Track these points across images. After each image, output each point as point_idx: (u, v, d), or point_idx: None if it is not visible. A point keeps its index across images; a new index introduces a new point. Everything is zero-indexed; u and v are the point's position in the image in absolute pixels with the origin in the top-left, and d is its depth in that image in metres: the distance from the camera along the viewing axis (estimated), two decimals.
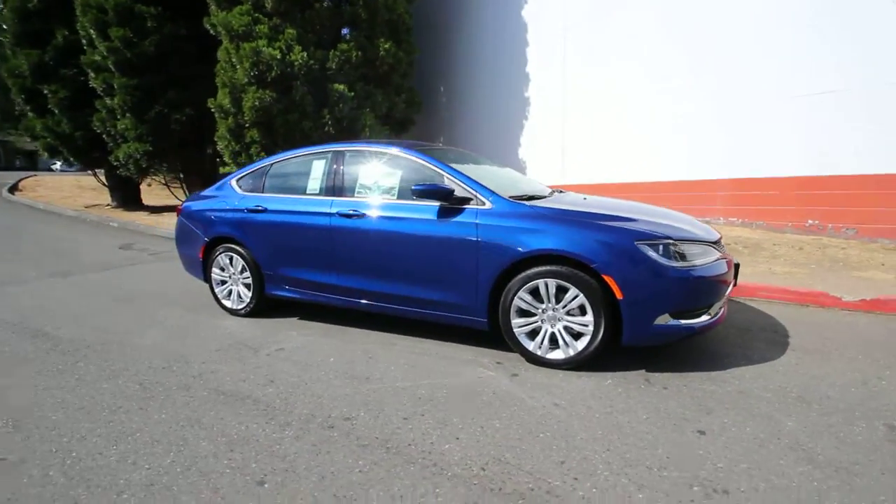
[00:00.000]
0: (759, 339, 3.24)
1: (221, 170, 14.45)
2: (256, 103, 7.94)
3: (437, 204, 3.05)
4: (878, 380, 2.62)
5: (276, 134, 8.47)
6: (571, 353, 2.76)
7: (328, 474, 1.86)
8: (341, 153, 3.53)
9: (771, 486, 1.76)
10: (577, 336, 2.76)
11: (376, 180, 3.33)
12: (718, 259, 2.77)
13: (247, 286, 3.89)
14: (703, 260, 2.70)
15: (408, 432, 2.17)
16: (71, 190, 16.27)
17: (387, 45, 8.66)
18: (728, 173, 6.83)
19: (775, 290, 4.16)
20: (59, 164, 31.18)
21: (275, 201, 3.67)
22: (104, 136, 10.63)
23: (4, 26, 11.69)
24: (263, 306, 3.92)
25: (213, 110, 8.87)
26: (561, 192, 3.69)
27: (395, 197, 3.24)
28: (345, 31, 8.92)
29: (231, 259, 3.92)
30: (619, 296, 2.58)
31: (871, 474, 1.82)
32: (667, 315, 2.61)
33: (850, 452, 1.97)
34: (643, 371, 2.76)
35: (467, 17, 10.70)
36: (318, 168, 3.59)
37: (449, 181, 3.05)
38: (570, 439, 2.09)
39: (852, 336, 3.32)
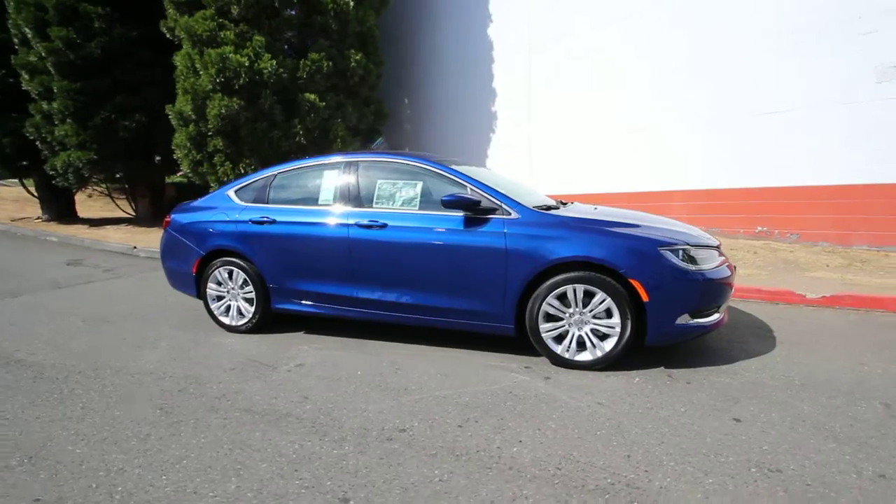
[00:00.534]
0: (749, 335, 3.56)
1: (168, 179, 13.62)
2: (222, 111, 7.61)
3: (461, 214, 3.10)
4: (861, 365, 2.97)
5: (243, 143, 8.16)
6: (599, 354, 2.90)
7: (409, 486, 1.84)
8: (354, 163, 3.49)
9: (814, 463, 1.96)
10: (602, 338, 2.91)
11: (396, 191, 3.33)
12: (722, 263, 3.04)
13: (249, 301, 3.71)
14: (711, 264, 2.95)
15: (468, 439, 2.18)
16: None
17: (357, 57, 8.63)
18: (685, 185, 7.42)
19: (748, 290, 4.58)
20: None
21: (283, 212, 3.56)
22: (38, 143, 9.68)
23: None
24: (265, 322, 3.75)
25: (170, 117, 8.38)
26: (564, 203, 3.86)
27: (416, 207, 3.25)
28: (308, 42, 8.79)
29: (231, 273, 3.73)
30: (645, 298, 2.76)
31: (888, 446, 2.08)
32: (686, 315, 2.82)
33: (864, 429, 2.23)
34: (663, 368, 2.95)
35: (431, 31, 10.90)
36: (330, 178, 3.52)
37: (472, 192, 3.12)
38: (624, 435, 2.20)
39: (823, 328, 3.74)
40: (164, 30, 8.43)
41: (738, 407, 2.45)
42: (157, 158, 11.16)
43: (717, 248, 3.13)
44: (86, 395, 2.69)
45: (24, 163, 10.58)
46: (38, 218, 11.60)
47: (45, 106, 9.25)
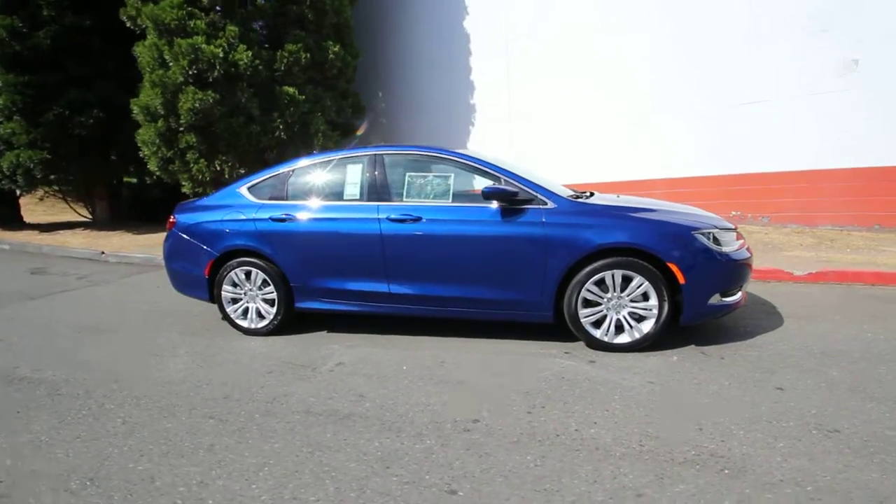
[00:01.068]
0: (758, 311, 3.81)
1: (126, 178, 12.77)
2: (196, 105, 7.21)
3: (496, 206, 3.12)
4: (864, 332, 3.26)
5: (218, 139, 7.77)
6: (637, 336, 3.01)
7: (509, 473, 1.86)
8: (379, 157, 3.43)
9: (862, 422, 2.15)
10: (639, 320, 3.03)
11: (427, 184, 3.30)
12: (742, 245, 3.24)
13: (269, 302, 3.57)
14: (734, 246, 3.14)
15: (543, 424, 2.23)
16: None
17: (336, 48, 8.41)
18: (664, 174, 7.77)
19: None
20: None
21: (307, 209, 3.44)
22: None
23: None
24: (286, 323, 3.63)
25: (134, 112, 7.84)
26: (587, 192, 3.93)
27: (449, 200, 3.24)
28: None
29: (249, 274, 3.57)
30: (681, 281, 2.90)
31: None
32: (717, 295, 2.99)
33: (892, 388, 2.46)
34: (694, 346, 3.11)
35: (406, 22, 10.76)
36: (354, 173, 3.44)
37: (507, 183, 3.15)
38: (686, 410, 2.32)
39: (818, 302, 4.05)
40: (123, 18, 7.85)
41: (775, 377, 2.63)
42: (113, 158, 10.44)
43: (735, 230, 3.33)
44: (121, 410, 2.52)
45: None
46: None
47: None
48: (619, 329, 3.05)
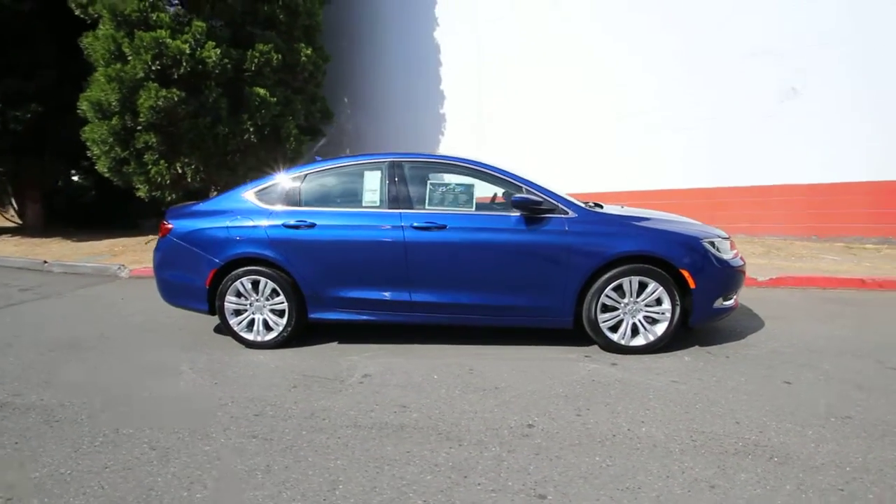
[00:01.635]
0: (739, 314, 4.15)
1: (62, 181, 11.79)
2: (159, 103, 6.75)
3: (518, 214, 3.21)
4: (834, 330, 3.67)
5: (181, 139, 7.30)
6: (651, 338, 3.20)
7: (587, 475, 1.92)
8: (399, 164, 3.40)
9: (865, 409, 2.42)
10: (652, 323, 3.22)
11: (448, 192, 3.32)
12: (737, 254, 3.54)
13: (278, 313, 3.41)
14: (731, 254, 3.43)
15: (596, 426, 2.31)
16: None
17: (308, 51, 8.22)
18: (627, 187, 8.27)
19: None
20: None
21: (325, 215, 3.33)
22: None
23: None
24: (296, 335, 3.47)
25: (83, 108, 7.19)
26: (596, 203, 4.07)
27: (472, 208, 3.28)
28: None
29: (256, 284, 3.39)
30: (692, 286, 3.12)
31: None
32: (720, 298, 3.25)
33: (877, 379, 2.79)
34: (698, 347, 3.35)
35: (374, 28, 10.71)
36: (373, 179, 3.39)
37: (529, 192, 3.24)
38: (716, 406, 2.50)
39: (786, 304, 4.50)
40: (72, 6, 7.18)
41: (778, 372, 2.91)
42: (46, 157, 9.44)
43: (730, 239, 3.64)
44: (142, 434, 2.30)
45: None
46: None
47: None
48: (634, 332, 3.23)
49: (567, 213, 3.21)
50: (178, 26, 6.96)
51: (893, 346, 3.32)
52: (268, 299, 3.42)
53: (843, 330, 3.69)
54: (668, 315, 3.16)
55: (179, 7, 7.16)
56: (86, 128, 7.46)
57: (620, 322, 3.22)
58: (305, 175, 3.50)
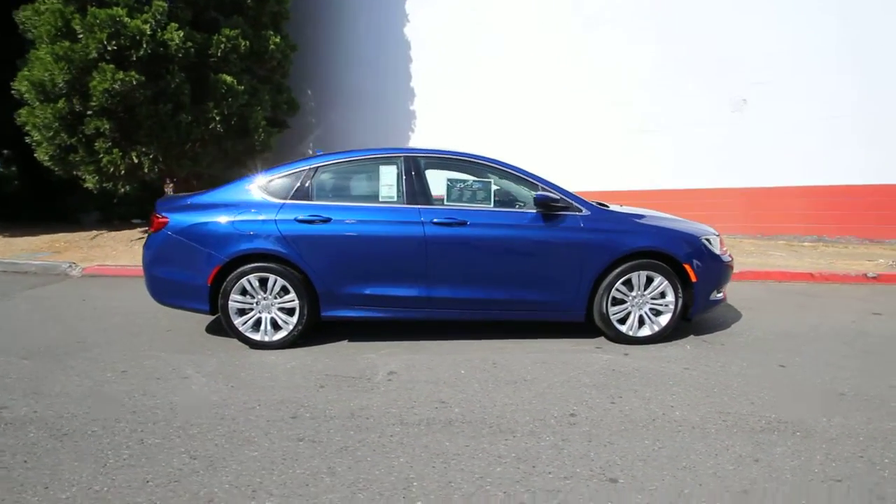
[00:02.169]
0: (718, 306, 4.51)
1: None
2: (116, 86, 6.18)
3: (534, 211, 3.29)
4: (802, 319, 4.08)
5: (138, 126, 6.74)
6: (656, 329, 3.40)
7: (645, 458, 2.03)
8: (414, 159, 3.36)
9: (853, 385, 2.72)
10: (656, 314, 3.43)
11: (467, 188, 3.33)
12: (725, 250, 3.84)
13: (287, 311, 3.27)
14: (721, 250, 3.71)
15: (633, 412, 2.44)
16: None
17: (277, 39, 7.87)
18: (598, 187, 8.66)
19: None
20: None
21: (341, 210, 3.23)
22: None
23: None
24: (306, 333, 3.35)
25: (21, 89, 6.43)
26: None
27: (491, 205, 3.32)
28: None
29: (264, 281, 3.23)
30: (694, 279, 3.36)
31: (882, 368, 2.99)
32: (715, 291, 3.52)
33: (852, 360, 3.14)
34: (693, 336, 3.61)
35: (341, 18, 10.42)
36: (389, 174, 3.33)
37: (545, 190, 3.33)
38: (731, 389, 2.71)
39: (753, 296, 4.93)
40: None
41: (771, 357, 3.20)
42: None
43: (720, 236, 3.94)
44: (172, 443, 2.14)
45: None
46: None
47: None
48: (640, 324, 3.42)
49: (581, 211, 3.34)
50: (137, 5, 6.40)
51: (854, 331, 3.75)
52: (276, 297, 3.26)
53: (809, 318, 4.11)
54: (672, 307, 3.38)
55: None
56: (22, 111, 6.68)
57: (628, 315, 3.40)
58: (316, 168, 3.37)
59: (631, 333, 3.39)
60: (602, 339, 3.49)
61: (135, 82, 6.29)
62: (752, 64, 7.59)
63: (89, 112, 6.47)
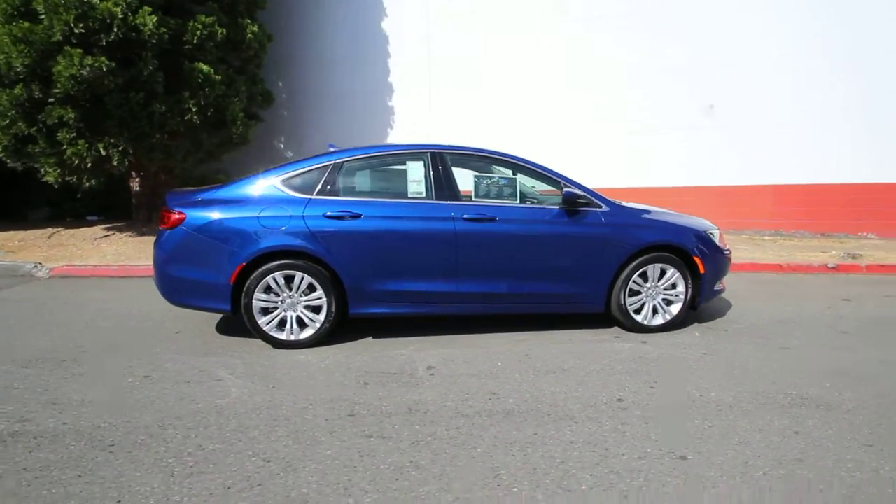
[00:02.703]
0: None
1: None
2: (84, 72, 5.73)
3: (557, 207, 3.40)
4: (785, 306, 4.45)
5: (107, 116, 6.28)
6: (668, 317, 3.61)
7: (702, 437, 2.17)
8: (441, 155, 3.37)
9: (853, 364, 3.03)
10: (668, 304, 3.64)
11: (493, 184, 3.38)
12: (725, 243, 4.11)
13: (314, 309, 3.19)
14: (722, 243, 3.98)
15: (673, 395, 2.60)
16: None
17: (254, 28, 7.56)
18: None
19: None
20: None
21: (371, 206, 3.19)
22: None
23: None
24: (333, 331, 3.28)
25: None
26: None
27: (517, 201, 3.39)
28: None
29: (290, 279, 3.14)
30: (702, 271, 3.59)
31: (878, 350, 3.32)
32: (718, 281, 3.78)
33: (839, 340, 3.49)
34: (697, 324, 3.86)
35: (315, 10, 10.12)
36: (417, 170, 3.32)
37: (567, 187, 3.44)
38: (748, 370, 2.94)
39: (737, 287, 5.24)
40: None
41: (772, 341, 3.48)
42: None
43: (719, 231, 4.21)
44: (234, 447, 2.06)
45: None
46: None
47: None
48: (654, 313, 3.62)
49: (601, 207, 3.48)
50: None
51: (832, 316, 4.13)
52: (303, 295, 3.18)
53: (790, 305, 4.50)
54: (682, 297, 3.60)
55: None
56: None
57: (643, 305, 3.58)
58: (342, 163, 3.31)
59: (646, 323, 3.58)
60: (616, 328, 3.66)
61: (105, 68, 5.84)
62: (718, 69, 8.13)
63: (51, 100, 5.95)
